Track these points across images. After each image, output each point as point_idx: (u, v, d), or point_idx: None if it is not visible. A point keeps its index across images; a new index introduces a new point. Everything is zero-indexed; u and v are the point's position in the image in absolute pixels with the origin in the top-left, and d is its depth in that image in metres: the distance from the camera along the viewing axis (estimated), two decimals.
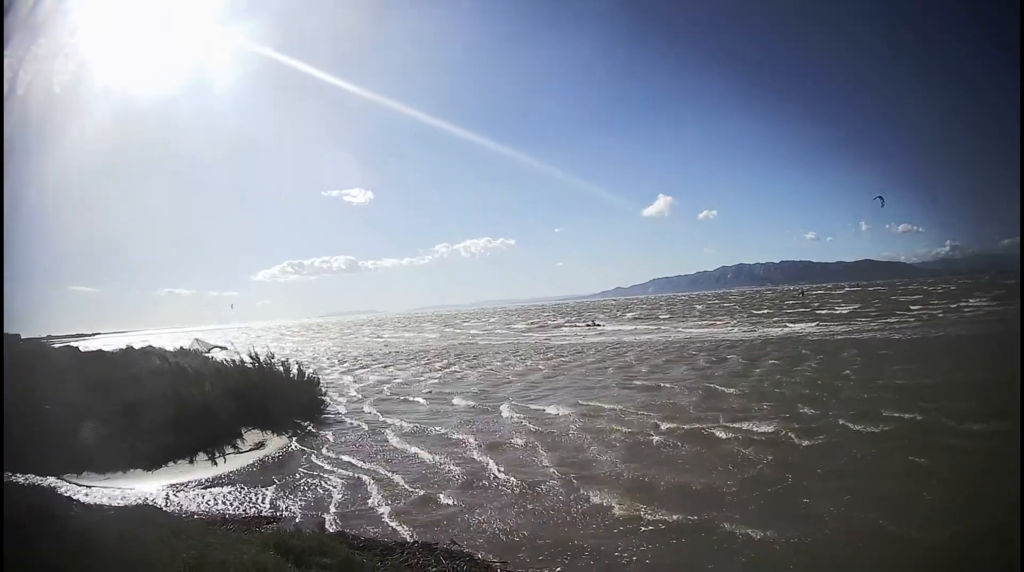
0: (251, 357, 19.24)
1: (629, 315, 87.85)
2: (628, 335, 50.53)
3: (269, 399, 17.25)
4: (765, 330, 44.69)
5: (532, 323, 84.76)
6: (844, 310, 60.79)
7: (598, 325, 66.91)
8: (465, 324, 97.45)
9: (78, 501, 10.54)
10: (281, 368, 19.59)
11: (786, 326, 46.78)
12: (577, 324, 73.37)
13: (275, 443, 16.20)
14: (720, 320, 60.19)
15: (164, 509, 10.68)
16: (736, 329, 47.86)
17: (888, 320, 45.07)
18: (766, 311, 69.51)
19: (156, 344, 19.82)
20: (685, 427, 15.00)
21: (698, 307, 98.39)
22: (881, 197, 37.11)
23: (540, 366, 31.36)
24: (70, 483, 12.43)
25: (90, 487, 12.29)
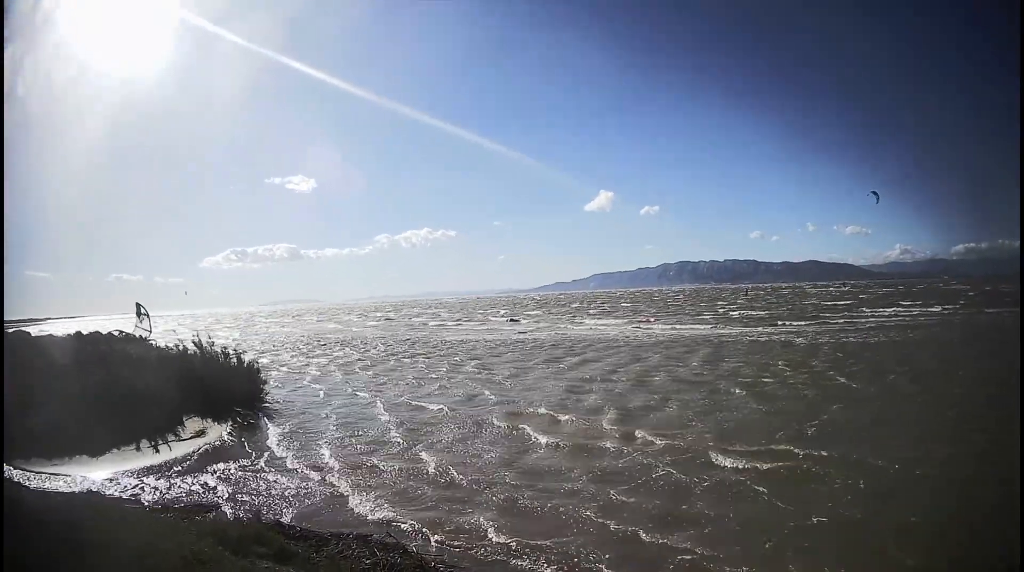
0: (193, 345, 19.25)
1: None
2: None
3: (210, 387, 17.36)
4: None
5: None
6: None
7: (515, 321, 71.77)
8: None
9: (27, 487, 10.67)
10: (222, 356, 19.65)
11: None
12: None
13: (215, 431, 16.56)
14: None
15: (109, 496, 10.88)
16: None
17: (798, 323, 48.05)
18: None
19: (104, 330, 19.54)
20: None
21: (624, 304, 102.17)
22: (876, 192, 37.78)
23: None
24: (19, 469, 12.58)
25: (38, 473, 12.50)
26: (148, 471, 13.06)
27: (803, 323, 47.92)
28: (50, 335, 19.48)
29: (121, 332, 19.07)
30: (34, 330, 21.59)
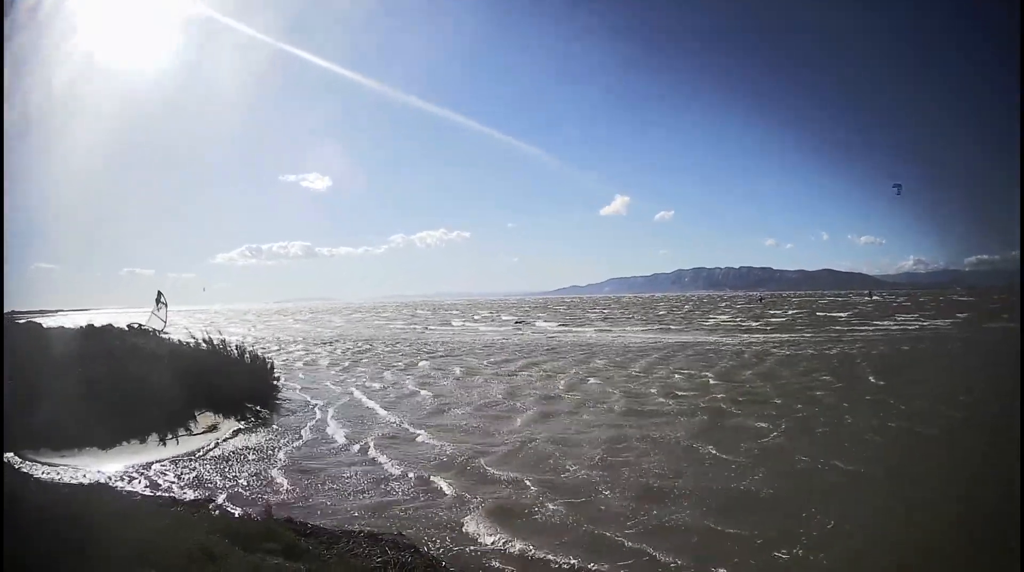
0: (204, 339, 19.19)
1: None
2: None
3: (222, 382, 17.31)
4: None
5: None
6: None
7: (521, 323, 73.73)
8: None
9: (35, 478, 10.63)
10: (235, 351, 19.60)
11: None
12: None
13: (227, 426, 16.55)
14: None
15: (118, 489, 10.84)
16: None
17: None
18: None
19: (116, 323, 19.55)
20: None
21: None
22: (899, 185, 37.45)
23: None
24: (26, 459, 12.55)
25: (46, 464, 12.45)
26: (159, 465, 13.01)
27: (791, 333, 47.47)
28: (61, 327, 19.56)
29: (140, 325, 19.01)
30: (45, 322, 21.67)
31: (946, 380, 21.70)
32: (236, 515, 9.53)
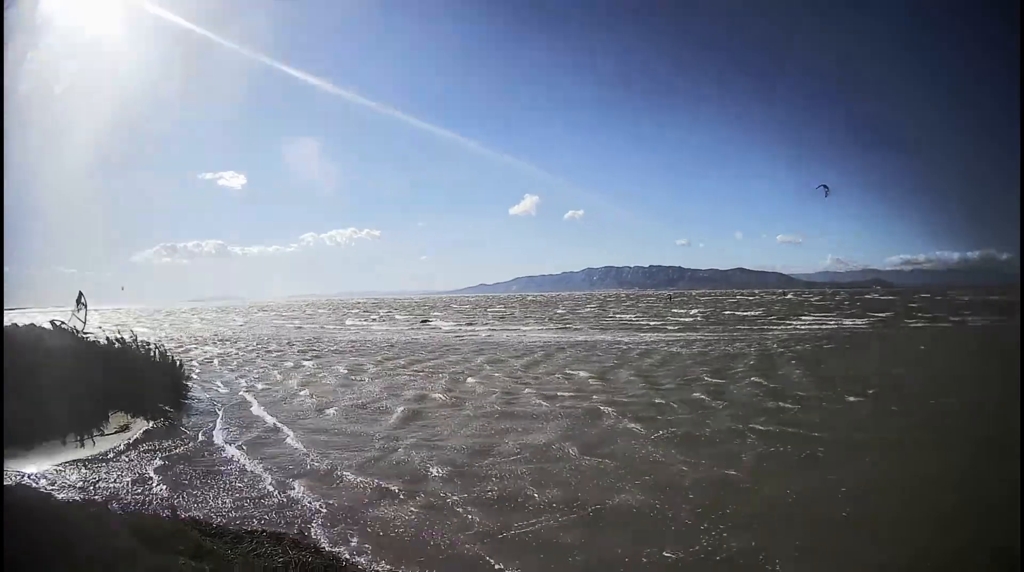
0: (118, 339, 19.35)
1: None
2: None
3: (136, 382, 17.67)
4: None
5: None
6: None
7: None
8: None
9: None
10: (142, 350, 19.81)
11: None
12: None
13: (138, 426, 17.16)
14: None
15: (33, 488, 11.38)
16: None
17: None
18: None
19: (39, 322, 19.39)
20: None
21: None
22: (825, 186, 38.94)
23: None
24: None
25: None
26: (72, 465, 13.59)
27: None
28: None
29: (62, 322, 18.97)
30: None
31: (851, 380, 22.31)
32: (144, 515, 10.02)
